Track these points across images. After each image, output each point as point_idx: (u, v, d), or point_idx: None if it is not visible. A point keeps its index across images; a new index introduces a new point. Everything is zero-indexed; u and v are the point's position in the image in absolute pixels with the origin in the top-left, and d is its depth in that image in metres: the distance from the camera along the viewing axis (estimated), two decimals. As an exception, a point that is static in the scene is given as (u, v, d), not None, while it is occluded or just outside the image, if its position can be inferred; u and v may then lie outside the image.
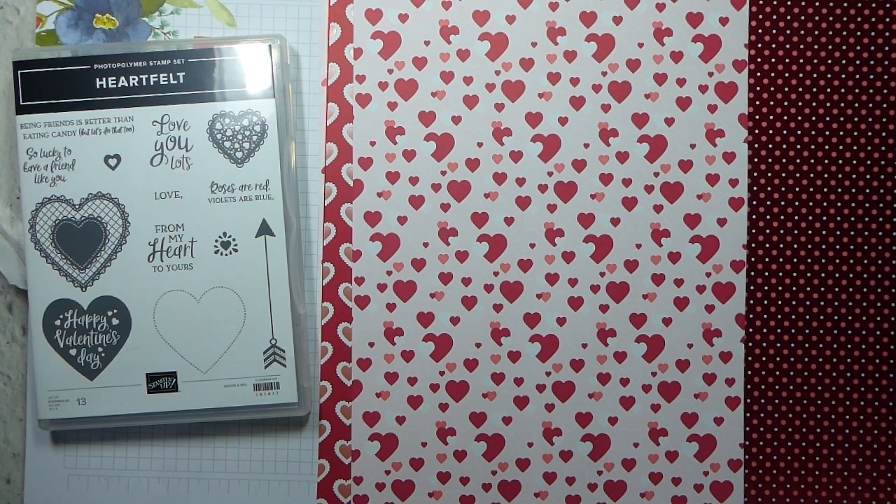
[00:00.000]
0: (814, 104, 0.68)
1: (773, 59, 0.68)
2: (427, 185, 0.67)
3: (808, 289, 0.67)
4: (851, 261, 0.67)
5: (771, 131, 0.68)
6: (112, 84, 0.65)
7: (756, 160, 0.68)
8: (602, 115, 0.68)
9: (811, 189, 0.68)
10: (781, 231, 0.67)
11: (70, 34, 0.67)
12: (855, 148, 0.68)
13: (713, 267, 0.67)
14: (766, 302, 0.67)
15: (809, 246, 0.67)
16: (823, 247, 0.67)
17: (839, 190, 0.68)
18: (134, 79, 0.65)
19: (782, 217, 0.67)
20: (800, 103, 0.68)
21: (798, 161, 0.68)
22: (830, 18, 0.68)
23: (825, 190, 0.68)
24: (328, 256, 0.67)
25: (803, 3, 0.68)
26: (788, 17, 0.68)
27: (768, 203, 0.68)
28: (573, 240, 0.67)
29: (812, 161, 0.68)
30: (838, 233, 0.67)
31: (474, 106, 0.68)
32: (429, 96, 0.68)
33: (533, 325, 0.67)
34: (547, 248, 0.67)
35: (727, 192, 0.67)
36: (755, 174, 0.68)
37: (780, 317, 0.67)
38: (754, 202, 0.68)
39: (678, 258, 0.67)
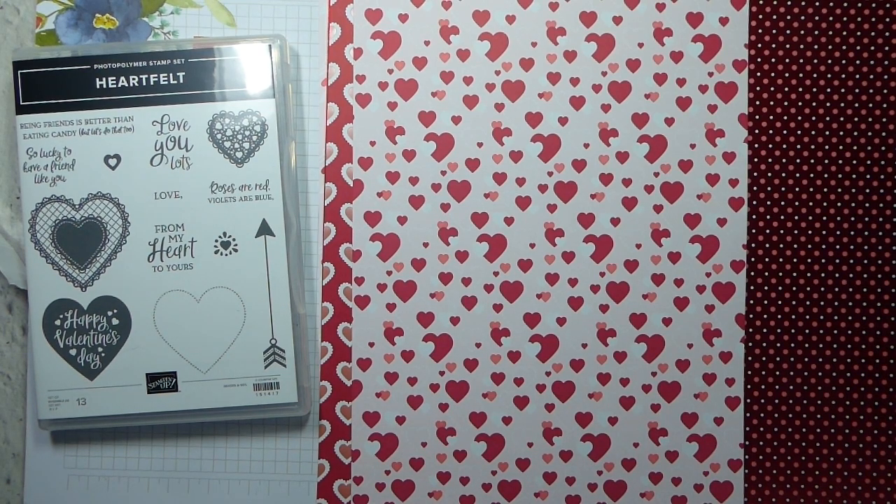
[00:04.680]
0: (814, 104, 0.68)
1: (773, 59, 0.68)
2: (427, 185, 0.67)
3: (808, 289, 0.67)
4: (851, 261, 0.67)
5: (771, 131, 0.68)
6: (112, 84, 0.65)
7: (756, 160, 0.68)
8: (602, 115, 0.68)
9: (811, 189, 0.68)
10: (781, 231, 0.67)
11: (70, 34, 0.67)
12: (855, 148, 0.68)
13: (713, 267, 0.67)
14: (766, 302, 0.67)
15: (809, 246, 0.67)
16: (823, 247, 0.67)
17: (839, 190, 0.68)
18: (134, 79, 0.65)
19: (782, 217, 0.67)
20: (800, 103, 0.68)
21: (798, 161, 0.68)
22: (830, 18, 0.68)
23: (825, 190, 0.68)
24: (328, 256, 0.67)
25: (803, 3, 0.68)
26: (788, 17, 0.68)
27: (768, 203, 0.68)
28: (573, 240, 0.67)
29: (812, 161, 0.68)
30: (838, 233, 0.67)
31: (474, 106, 0.68)
32: (429, 96, 0.68)
33: (533, 325, 0.67)
34: (547, 248, 0.67)
35: (727, 192, 0.67)
36: (755, 174, 0.68)
37: (780, 317, 0.67)
38: (754, 202, 0.68)
39: (678, 258, 0.67)
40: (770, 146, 0.68)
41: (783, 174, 0.68)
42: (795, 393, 0.67)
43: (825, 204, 0.67)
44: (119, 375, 0.64)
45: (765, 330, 0.67)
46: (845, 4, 0.68)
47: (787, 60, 0.68)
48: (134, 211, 0.65)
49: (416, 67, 0.68)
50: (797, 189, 0.68)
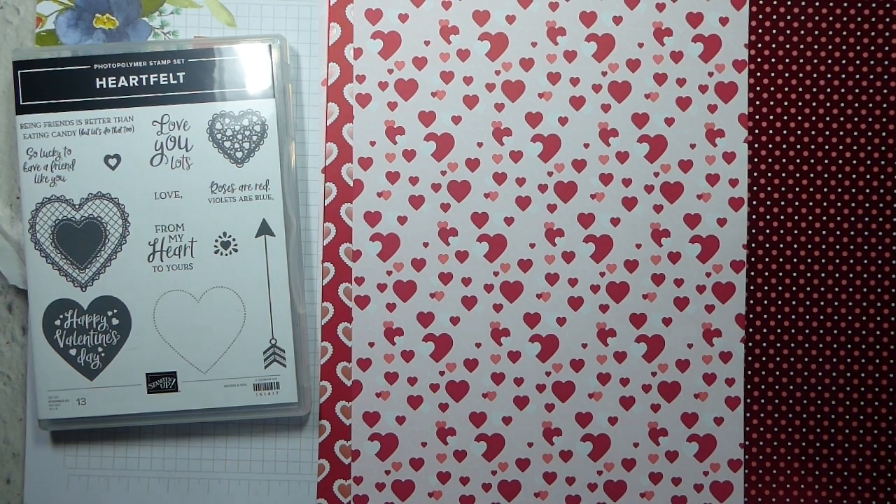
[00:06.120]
0: (814, 104, 0.68)
1: (773, 59, 0.68)
2: (427, 185, 0.67)
3: (808, 289, 0.67)
4: (851, 261, 0.67)
5: (771, 131, 0.68)
6: (112, 84, 0.65)
7: (756, 160, 0.68)
8: (602, 115, 0.68)
9: (811, 189, 0.68)
10: (781, 231, 0.67)
11: (70, 34, 0.67)
12: (855, 148, 0.68)
13: (713, 267, 0.67)
14: (766, 302, 0.67)
15: (809, 246, 0.67)
16: (823, 247, 0.67)
17: (839, 190, 0.68)
18: (134, 79, 0.65)
19: (782, 217, 0.67)
20: (800, 103, 0.68)
21: (798, 161, 0.68)
22: (830, 18, 0.68)
23: (825, 190, 0.68)
24: (328, 256, 0.67)
25: (803, 3, 0.68)
26: (788, 17, 0.68)
27: (768, 203, 0.68)
28: (573, 240, 0.67)
29: (812, 161, 0.68)
30: (838, 233, 0.67)
31: (474, 106, 0.68)
32: (429, 96, 0.68)
33: (533, 325, 0.67)
34: (547, 248, 0.67)
35: (727, 192, 0.67)
36: (755, 174, 0.68)
37: (780, 317, 0.67)
38: (754, 202, 0.68)
39: (678, 258, 0.67)
40: (770, 146, 0.68)
41: (783, 174, 0.68)
42: (795, 393, 0.67)
43: (825, 204, 0.68)
44: (119, 375, 0.64)
45: (765, 330, 0.67)
46: (845, 4, 0.68)
47: (787, 60, 0.68)
48: (134, 211, 0.65)
49: (416, 67, 0.68)
50: (797, 189, 0.68)
